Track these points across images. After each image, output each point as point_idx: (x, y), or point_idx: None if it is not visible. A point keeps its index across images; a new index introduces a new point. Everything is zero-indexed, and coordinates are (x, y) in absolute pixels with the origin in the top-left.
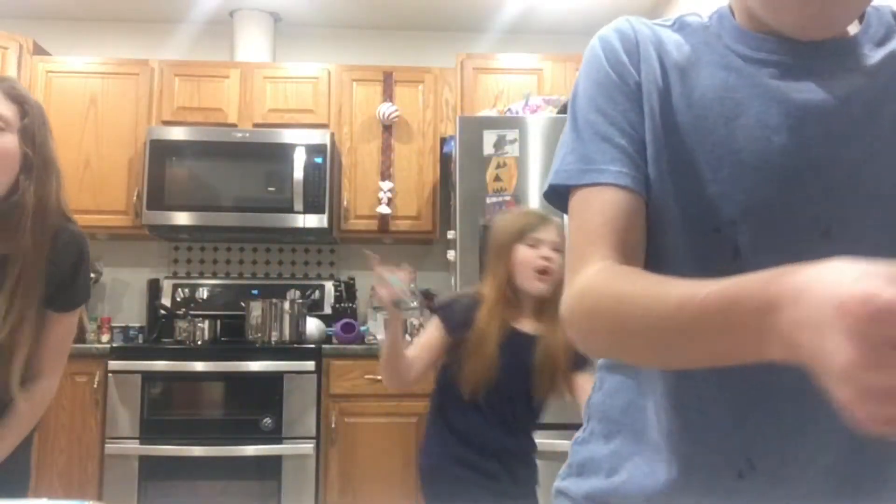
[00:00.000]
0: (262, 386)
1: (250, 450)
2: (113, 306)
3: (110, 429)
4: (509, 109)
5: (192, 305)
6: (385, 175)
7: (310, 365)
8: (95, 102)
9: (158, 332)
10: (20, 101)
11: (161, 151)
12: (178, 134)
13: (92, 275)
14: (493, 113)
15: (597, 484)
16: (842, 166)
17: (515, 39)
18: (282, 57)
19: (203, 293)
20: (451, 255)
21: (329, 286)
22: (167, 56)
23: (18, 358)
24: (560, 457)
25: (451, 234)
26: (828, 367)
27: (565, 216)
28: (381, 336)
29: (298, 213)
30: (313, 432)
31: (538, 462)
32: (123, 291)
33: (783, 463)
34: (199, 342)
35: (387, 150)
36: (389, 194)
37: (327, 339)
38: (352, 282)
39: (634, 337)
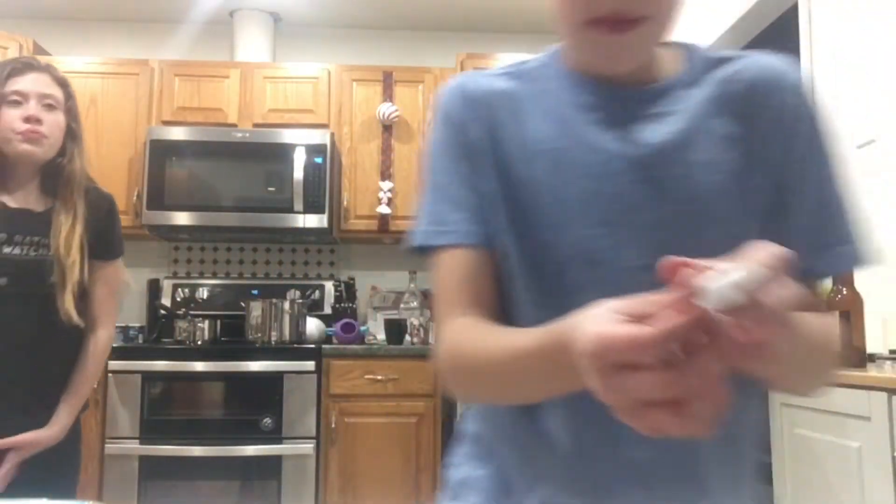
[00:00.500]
0: (262, 386)
1: (250, 450)
2: None
3: (110, 429)
4: None
5: (192, 305)
6: (385, 175)
7: (310, 365)
8: (95, 102)
9: (158, 332)
10: (64, 85)
11: (161, 151)
12: (178, 134)
13: None
14: None
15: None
16: (661, 205)
17: (515, 39)
18: (282, 57)
19: (203, 293)
20: None
21: (329, 286)
22: (167, 56)
23: (70, 290)
24: None
25: None
26: (584, 366)
27: None
28: (381, 336)
29: (298, 213)
30: (313, 432)
31: None
32: (124, 291)
33: (633, 485)
34: (199, 342)
35: (387, 150)
36: (389, 194)
37: (327, 339)
38: (352, 282)
39: (493, 385)
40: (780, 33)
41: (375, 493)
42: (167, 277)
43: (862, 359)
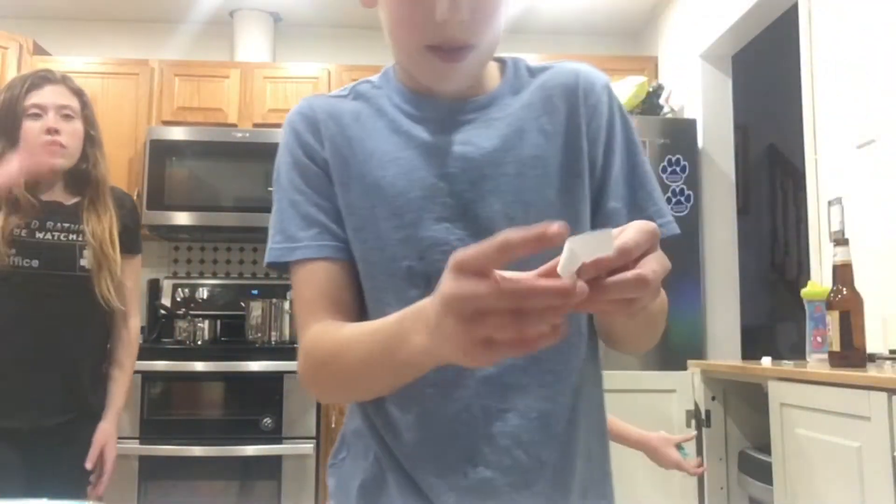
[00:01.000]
0: (262, 386)
1: (250, 450)
2: None
3: None
4: None
5: (192, 305)
6: None
7: None
8: (95, 102)
9: (158, 332)
10: (80, 94)
11: (161, 151)
12: (178, 134)
13: None
14: None
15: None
16: (498, 198)
17: (515, 39)
18: (282, 57)
19: (203, 293)
20: None
21: None
22: (167, 56)
23: (107, 275)
24: None
25: None
26: (445, 343)
27: None
28: None
29: None
30: (313, 432)
31: None
32: None
33: (502, 454)
34: (199, 342)
35: None
36: None
37: None
38: None
39: (351, 379)
40: (780, 33)
41: None
42: (167, 277)
43: (862, 359)
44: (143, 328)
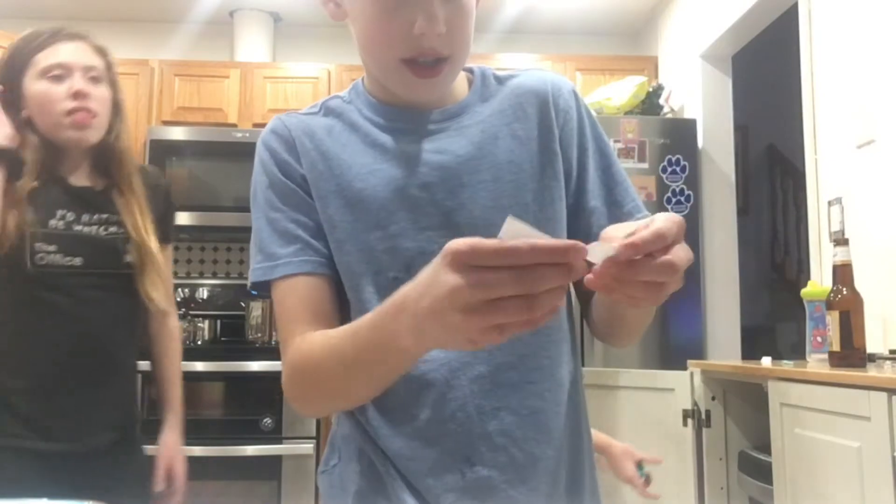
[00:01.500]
0: (262, 386)
1: (250, 450)
2: None
3: None
4: None
5: (192, 305)
6: None
7: None
8: None
9: None
10: (103, 53)
11: (161, 151)
12: (178, 134)
13: None
14: None
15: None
16: (477, 204)
17: (515, 39)
18: (282, 57)
19: (203, 293)
20: None
21: None
22: (167, 56)
23: (152, 272)
24: None
25: None
26: (440, 306)
27: None
28: None
29: None
30: (313, 432)
31: None
32: None
33: (499, 452)
34: (199, 342)
35: None
36: None
37: None
38: None
39: (333, 387)
40: (780, 33)
41: None
42: None
43: (862, 359)
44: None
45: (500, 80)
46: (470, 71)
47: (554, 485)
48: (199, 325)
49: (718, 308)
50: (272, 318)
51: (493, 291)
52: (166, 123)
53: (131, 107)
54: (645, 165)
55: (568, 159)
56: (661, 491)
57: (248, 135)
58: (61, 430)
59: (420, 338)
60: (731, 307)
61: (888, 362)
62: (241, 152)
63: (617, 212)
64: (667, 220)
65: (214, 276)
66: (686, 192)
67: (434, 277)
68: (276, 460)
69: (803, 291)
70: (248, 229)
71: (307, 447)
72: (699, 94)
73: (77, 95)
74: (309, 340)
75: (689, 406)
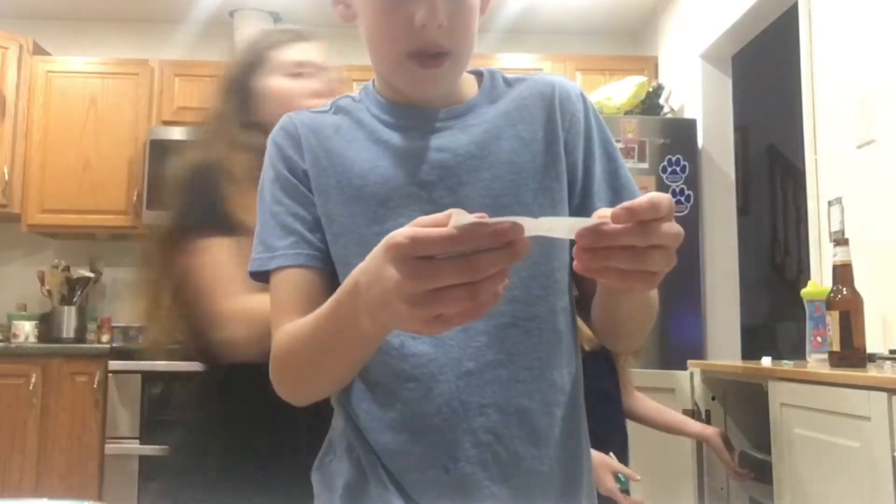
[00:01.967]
0: None
1: None
2: (113, 306)
3: (110, 429)
4: None
5: None
6: None
7: None
8: (95, 102)
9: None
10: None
11: (161, 151)
12: (178, 134)
13: (91, 274)
14: None
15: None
16: (475, 202)
17: (515, 39)
18: None
19: None
20: None
21: None
22: (167, 56)
23: None
24: None
25: None
26: (387, 297)
27: None
28: None
29: None
30: None
31: None
32: (123, 291)
33: (483, 449)
34: None
35: None
36: None
37: None
38: None
39: (306, 367)
40: (780, 33)
41: None
42: None
43: (862, 359)
44: (142, 328)
45: (509, 83)
46: (480, 73)
47: (543, 487)
48: None
49: (718, 308)
50: None
51: (434, 282)
52: (166, 123)
53: (131, 107)
54: (645, 165)
55: (573, 162)
56: (661, 491)
57: None
58: None
59: (375, 321)
60: (731, 307)
61: (888, 362)
62: None
63: None
64: (659, 194)
65: None
66: (686, 192)
67: (379, 270)
68: None
69: (803, 291)
70: None
71: None
72: (699, 94)
73: (319, 94)
74: (285, 331)
75: (689, 406)
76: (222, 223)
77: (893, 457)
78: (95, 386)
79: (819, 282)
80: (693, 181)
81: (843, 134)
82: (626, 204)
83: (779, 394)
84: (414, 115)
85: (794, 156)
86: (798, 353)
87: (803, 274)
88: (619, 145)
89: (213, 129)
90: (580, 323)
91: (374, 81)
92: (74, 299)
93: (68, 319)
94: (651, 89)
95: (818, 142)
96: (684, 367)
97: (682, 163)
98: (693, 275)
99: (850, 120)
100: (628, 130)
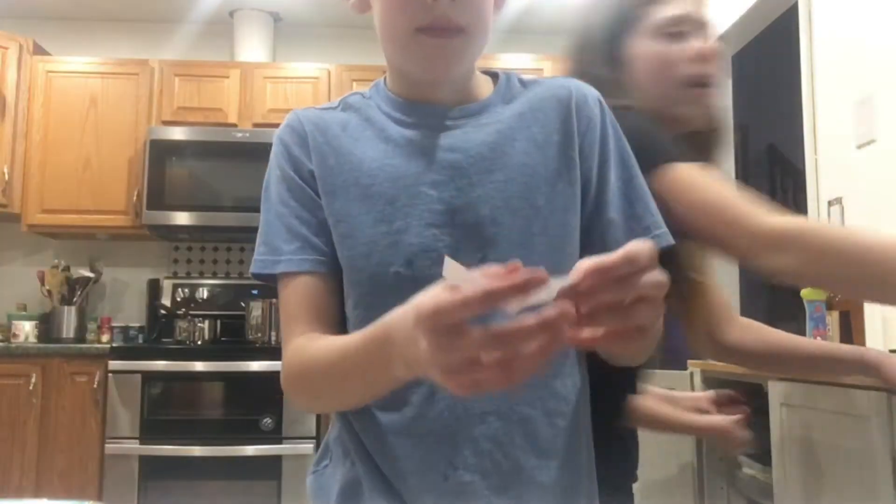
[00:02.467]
0: (262, 386)
1: (250, 450)
2: (113, 306)
3: (110, 429)
4: None
5: (192, 305)
6: None
7: None
8: (95, 102)
9: (158, 332)
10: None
11: (161, 151)
12: (178, 134)
13: (91, 274)
14: None
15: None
16: (486, 204)
17: (515, 39)
18: (282, 57)
19: (203, 293)
20: None
21: None
22: (167, 56)
23: None
24: None
25: None
26: (422, 362)
27: None
28: None
29: None
30: (313, 432)
31: None
32: (123, 291)
33: (483, 457)
34: (199, 342)
35: None
36: None
37: None
38: None
39: (325, 390)
40: (780, 33)
41: None
42: (167, 277)
43: None
44: (142, 328)
45: (525, 84)
46: (495, 74)
47: (539, 495)
48: (199, 324)
49: None
50: (272, 317)
51: (465, 352)
52: (166, 123)
53: (131, 107)
54: None
55: (588, 168)
56: (661, 491)
57: (248, 135)
58: None
59: (409, 370)
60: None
61: None
62: (241, 152)
63: (635, 226)
64: (638, 243)
65: (214, 276)
66: None
67: (411, 335)
68: (276, 460)
69: (803, 291)
70: (247, 229)
71: (307, 447)
72: None
73: (705, 57)
74: (304, 347)
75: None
76: None
77: (893, 457)
78: (95, 386)
79: None
80: None
81: (842, 134)
82: (597, 263)
83: (779, 394)
84: (426, 112)
85: (794, 156)
86: None
87: None
88: None
89: None
90: None
91: (385, 79)
92: (74, 299)
93: (68, 319)
94: None
95: (818, 142)
96: (684, 367)
97: None
98: None
99: (849, 120)
100: None
